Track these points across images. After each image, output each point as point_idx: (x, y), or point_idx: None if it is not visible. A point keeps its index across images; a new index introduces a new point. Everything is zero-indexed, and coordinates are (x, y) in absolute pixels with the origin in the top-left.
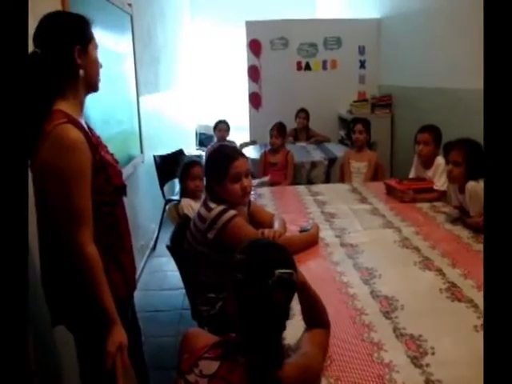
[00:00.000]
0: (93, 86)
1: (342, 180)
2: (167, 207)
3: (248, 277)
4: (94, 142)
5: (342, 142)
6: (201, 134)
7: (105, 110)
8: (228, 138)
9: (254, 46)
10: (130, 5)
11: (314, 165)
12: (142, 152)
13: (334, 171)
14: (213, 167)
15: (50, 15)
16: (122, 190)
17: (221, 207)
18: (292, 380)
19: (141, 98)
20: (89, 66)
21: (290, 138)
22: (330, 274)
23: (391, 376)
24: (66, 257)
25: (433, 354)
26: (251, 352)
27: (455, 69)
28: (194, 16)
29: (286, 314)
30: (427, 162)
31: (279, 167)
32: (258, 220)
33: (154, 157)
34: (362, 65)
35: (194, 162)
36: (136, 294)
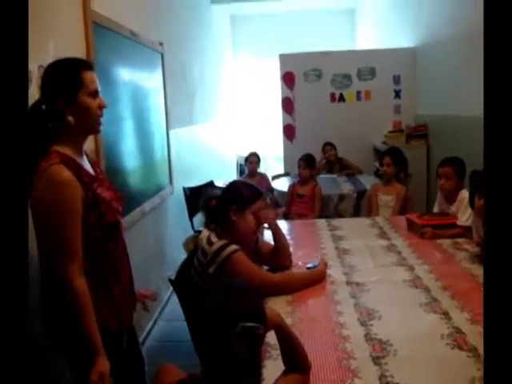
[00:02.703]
0: (89, 131)
1: (369, 213)
2: (185, 239)
3: (212, 325)
4: (86, 180)
5: (376, 174)
6: (241, 164)
7: (132, 142)
8: (259, 171)
9: (288, 78)
10: (161, 44)
11: (341, 197)
12: (171, 183)
13: (363, 204)
14: (241, 194)
15: (48, 65)
16: (115, 226)
17: (223, 241)
18: None
19: (172, 131)
20: (80, 113)
21: (323, 171)
22: (327, 314)
23: None
24: (54, 289)
25: None
26: None
27: None
28: (236, 51)
29: (248, 365)
30: (450, 197)
31: (306, 199)
32: (263, 255)
33: (184, 188)
34: (397, 94)
35: (214, 196)
36: (160, 323)
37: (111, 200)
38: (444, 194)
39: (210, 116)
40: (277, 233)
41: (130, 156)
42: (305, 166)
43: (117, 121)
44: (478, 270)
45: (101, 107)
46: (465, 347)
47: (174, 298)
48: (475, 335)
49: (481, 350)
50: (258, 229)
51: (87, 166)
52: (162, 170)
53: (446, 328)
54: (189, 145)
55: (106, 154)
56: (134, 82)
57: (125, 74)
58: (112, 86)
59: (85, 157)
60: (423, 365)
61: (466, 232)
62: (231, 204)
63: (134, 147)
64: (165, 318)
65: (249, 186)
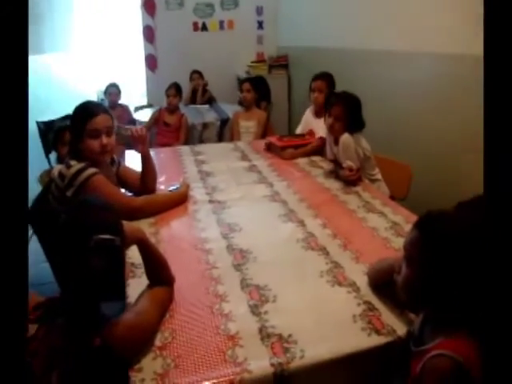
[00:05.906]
0: None
1: (231, 140)
2: (39, 174)
3: (67, 239)
4: None
5: (240, 103)
6: (102, 99)
7: None
8: (120, 102)
9: (149, 6)
10: None
11: (205, 126)
12: None
13: (227, 132)
14: (73, 122)
15: None
16: None
17: (81, 164)
18: (116, 339)
19: None
20: None
21: (187, 101)
22: (190, 231)
23: (226, 326)
24: None
25: (274, 301)
26: (68, 314)
27: (349, 29)
28: None
29: (108, 280)
30: (320, 110)
31: (172, 129)
32: (126, 180)
33: (37, 123)
34: (260, 25)
35: (64, 127)
36: None
37: None
38: (317, 107)
39: (63, 45)
40: (144, 152)
41: None
42: (175, 94)
43: None
44: (332, 184)
45: None
46: (316, 248)
47: (34, 241)
48: (325, 237)
49: (328, 249)
50: (105, 148)
51: None
52: None
53: (301, 234)
54: (39, 75)
55: None
56: None
57: None
58: None
59: None
60: (280, 266)
61: (321, 143)
62: (72, 133)
63: None
64: None
65: (78, 111)
